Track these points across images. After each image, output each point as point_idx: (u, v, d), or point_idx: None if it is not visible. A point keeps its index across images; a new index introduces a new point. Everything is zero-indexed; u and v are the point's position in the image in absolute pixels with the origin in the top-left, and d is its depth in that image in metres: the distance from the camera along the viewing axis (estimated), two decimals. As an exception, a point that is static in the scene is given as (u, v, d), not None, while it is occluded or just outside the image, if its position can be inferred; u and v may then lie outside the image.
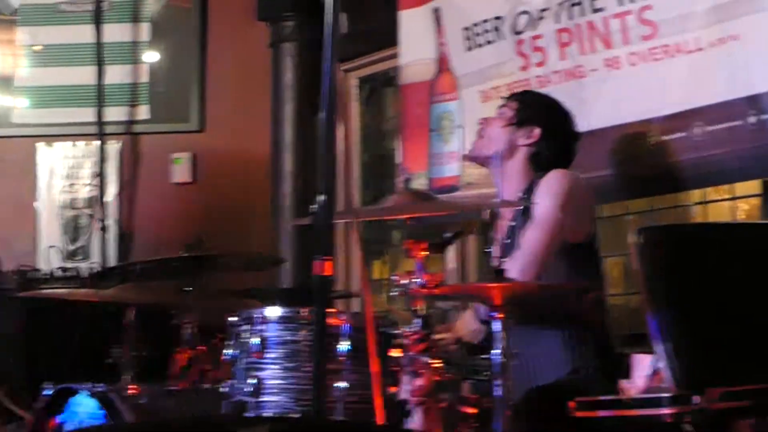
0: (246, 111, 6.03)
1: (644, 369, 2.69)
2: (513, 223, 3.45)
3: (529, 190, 3.43)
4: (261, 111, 5.92)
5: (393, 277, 3.00)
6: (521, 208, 3.42)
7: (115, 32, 6.10)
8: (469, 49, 4.73)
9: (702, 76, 3.65)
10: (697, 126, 3.67)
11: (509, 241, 3.40)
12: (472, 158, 3.85)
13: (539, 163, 3.49)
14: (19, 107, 6.23)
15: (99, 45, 5.98)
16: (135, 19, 6.16)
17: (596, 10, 3.96)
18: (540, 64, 4.33)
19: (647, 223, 4.14)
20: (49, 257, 5.87)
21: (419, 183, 4.97)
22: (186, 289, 4.08)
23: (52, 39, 6.26)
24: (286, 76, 5.80)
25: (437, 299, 3.38)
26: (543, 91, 4.13)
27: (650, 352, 2.67)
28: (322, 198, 2.30)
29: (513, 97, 3.85)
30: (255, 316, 3.10)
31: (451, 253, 4.79)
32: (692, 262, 2.54)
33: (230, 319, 3.15)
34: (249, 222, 5.81)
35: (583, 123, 3.65)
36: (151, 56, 6.15)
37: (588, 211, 3.50)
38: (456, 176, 4.78)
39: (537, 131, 3.47)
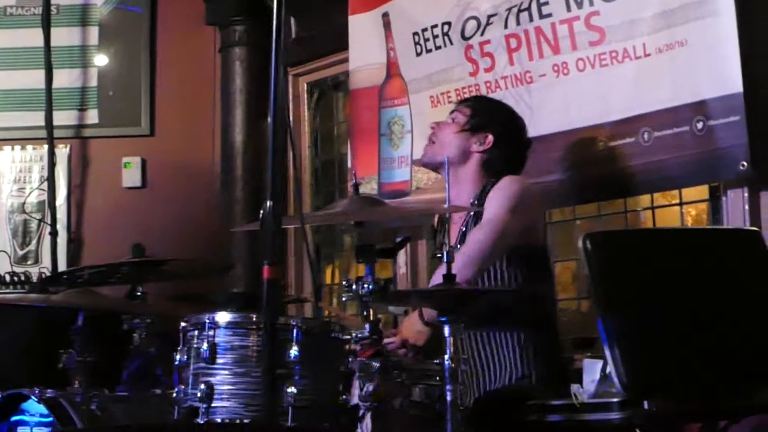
0: (196, 115, 6.04)
1: (595, 373, 2.73)
2: (464, 229, 3.48)
3: (481, 196, 3.46)
4: (210, 116, 5.97)
5: (344, 282, 3.01)
6: (472, 213, 3.45)
7: (64, 36, 6.08)
8: (419, 54, 4.74)
9: (649, 82, 3.69)
10: (645, 131, 3.69)
11: (461, 246, 3.41)
12: (424, 164, 3.85)
13: (492, 170, 3.50)
14: None
15: (48, 49, 5.92)
16: (84, 23, 6.13)
17: (544, 16, 3.99)
18: (489, 70, 4.35)
19: (596, 228, 4.16)
20: None
21: (369, 187, 4.99)
22: (136, 294, 4.13)
23: (0, 42, 6.23)
24: (235, 82, 5.83)
25: (387, 303, 3.37)
26: (492, 96, 4.16)
27: (600, 356, 2.72)
28: (268, 203, 2.32)
29: (465, 102, 3.88)
30: (205, 321, 3.07)
31: (401, 258, 4.80)
32: (639, 267, 2.58)
33: (181, 324, 3.11)
34: (199, 227, 5.80)
35: (532, 128, 3.68)
36: (100, 60, 6.12)
37: (538, 216, 3.54)
38: (406, 181, 4.81)
39: (490, 138, 3.48)
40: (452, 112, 3.64)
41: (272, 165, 2.48)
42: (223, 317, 3.07)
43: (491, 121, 3.58)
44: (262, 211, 2.31)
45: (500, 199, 3.31)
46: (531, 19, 4.08)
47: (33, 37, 6.03)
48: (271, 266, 2.30)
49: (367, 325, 2.85)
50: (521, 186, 3.36)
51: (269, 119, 2.44)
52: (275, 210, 2.35)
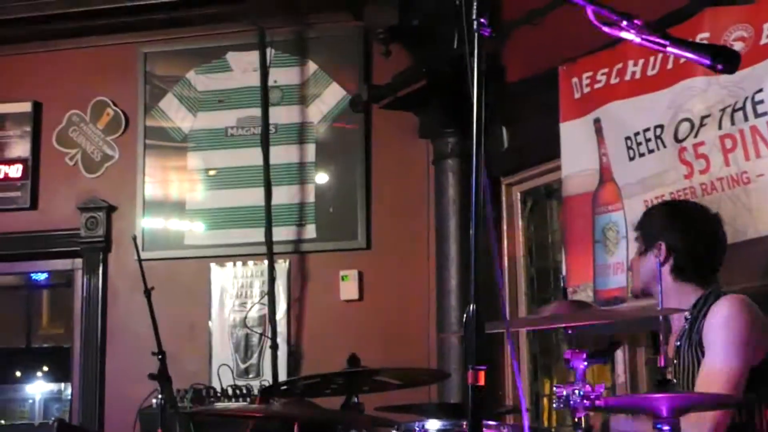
0: (410, 227, 6.08)
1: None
2: (678, 343, 3.38)
3: (697, 307, 3.37)
4: (425, 226, 5.98)
5: (554, 389, 2.95)
6: (687, 328, 3.35)
7: (282, 154, 6.31)
8: (632, 158, 4.65)
9: None
10: None
11: (677, 362, 3.34)
12: (635, 296, 3.84)
13: (685, 275, 3.45)
14: (192, 230, 6.47)
15: (267, 167, 6.14)
16: (301, 140, 6.37)
17: (759, 115, 3.88)
18: (703, 172, 4.24)
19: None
20: (221, 375, 5.91)
21: (585, 294, 4.92)
22: (351, 403, 4.07)
23: (222, 163, 6.50)
24: (448, 192, 5.83)
25: (600, 411, 3.25)
26: (708, 199, 4.05)
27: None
28: (472, 307, 2.27)
29: (636, 226, 3.83)
30: (415, 429, 3.16)
31: (620, 366, 4.68)
32: None
33: (391, 432, 3.09)
34: (414, 337, 5.82)
35: (752, 230, 3.59)
36: (317, 176, 6.30)
37: (764, 334, 3.35)
38: (622, 288, 4.63)
39: (663, 246, 3.45)
40: (635, 239, 3.67)
41: (474, 271, 2.37)
42: (433, 425, 3.16)
43: (658, 232, 3.55)
44: (465, 315, 2.26)
45: (727, 334, 3.19)
46: (746, 119, 3.97)
47: (253, 156, 6.30)
48: (476, 371, 2.25)
49: (580, 433, 2.75)
50: (744, 310, 3.22)
51: (471, 228, 2.38)
52: (478, 313, 2.29)
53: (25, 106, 6.81)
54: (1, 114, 6.81)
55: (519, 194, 5.70)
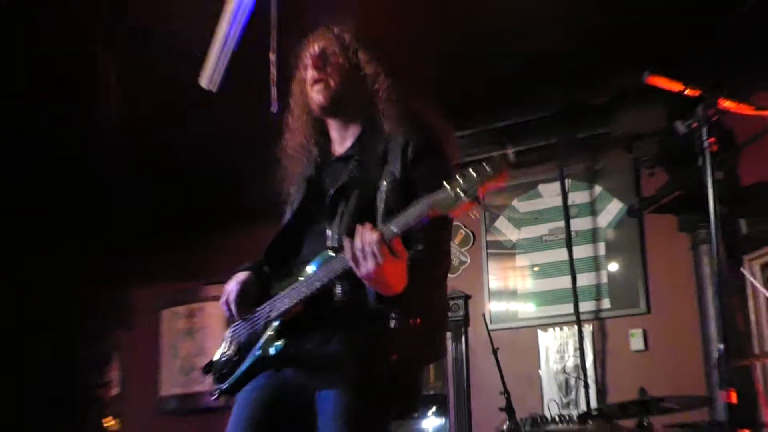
0: (679, 295, 6.08)
1: None
2: None
3: None
4: (690, 294, 5.98)
5: None
6: None
7: (582, 251, 6.48)
8: None
9: None
10: None
11: None
12: None
13: None
14: (523, 308, 6.65)
15: (571, 260, 6.34)
16: (594, 240, 6.48)
17: None
18: None
19: None
20: (550, 408, 6.10)
21: None
22: (643, 424, 4.48)
23: (540, 260, 6.68)
24: (704, 270, 5.87)
25: None
26: None
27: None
28: (722, 347, 2.42)
29: None
30: None
31: None
32: None
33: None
34: (687, 373, 5.75)
35: None
36: (608, 265, 6.38)
37: None
38: None
39: None
40: None
41: (723, 322, 2.68)
42: None
43: None
44: (718, 353, 2.40)
45: None
46: None
47: (562, 254, 6.50)
48: (728, 392, 2.36)
49: None
50: None
51: (717, 298, 2.67)
52: (727, 352, 2.43)
53: None
54: None
55: (758, 266, 5.61)
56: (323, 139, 2.62)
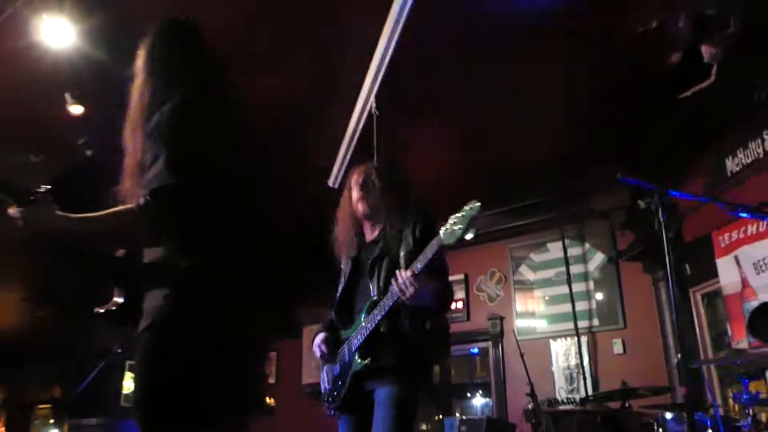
0: (646, 316, 5.85)
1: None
2: None
3: None
4: (654, 316, 5.76)
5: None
6: None
7: (577, 286, 6.27)
8: (758, 273, 4.27)
9: None
10: None
11: None
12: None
13: None
14: (539, 325, 6.44)
15: (571, 293, 6.20)
16: (586, 279, 6.30)
17: None
18: None
19: None
20: (559, 393, 5.95)
21: (744, 344, 4.46)
22: (623, 407, 4.05)
23: (550, 293, 6.47)
24: (662, 299, 5.68)
25: None
26: None
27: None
28: (679, 356, 2.39)
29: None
30: (658, 416, 3.09)
31: None
32: None
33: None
34: (654, 372, 5.48)
35: None
36: (595, 295, 6.19)
37: None
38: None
39: None
40: None
41: (680, 337, 2.66)
42: (668, 415, 3.06)
43: None
44: (676, 360, 2.22)
45: None
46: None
47: (563, 289, 6.32)
48: (686, 387, 2.25)
49: None
50: None
51: (673, 315, 2.33)
52: (684, 357, 2.42)
53: (461, 276, 6.91)
54: (449, 281, 7.05)
55: (700, 296, 5.38)
56: (360, 231, 2.66)
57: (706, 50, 3.28)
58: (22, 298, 7.13)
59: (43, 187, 1.56)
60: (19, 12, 3.36)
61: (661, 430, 3.47)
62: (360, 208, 2.57)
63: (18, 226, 1.56)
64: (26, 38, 3.55)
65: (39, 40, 3.55)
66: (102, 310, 1.72)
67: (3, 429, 8.65)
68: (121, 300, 1.73)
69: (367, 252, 2.56)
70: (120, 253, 1.75)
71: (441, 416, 6.86)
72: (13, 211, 1.58)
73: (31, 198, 1.57)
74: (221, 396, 1.52)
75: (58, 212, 1.56)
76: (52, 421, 9.33)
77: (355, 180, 2.60)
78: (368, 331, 2.35)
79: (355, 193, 2.58)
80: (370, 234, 2.61)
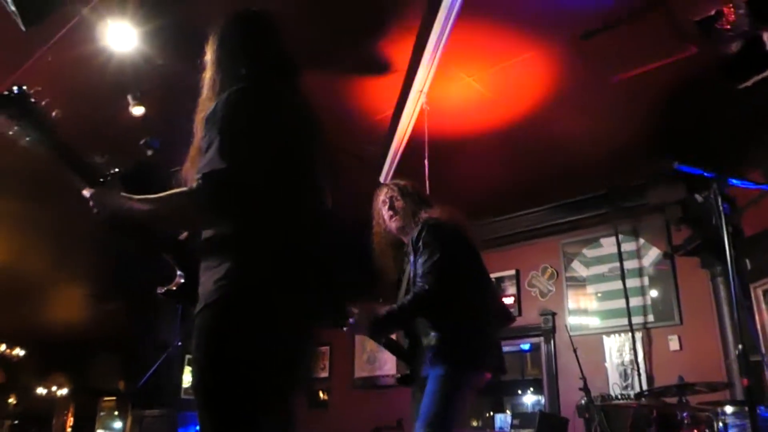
0: (703, 314, 5.76)
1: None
2: None
3: None
4: (712, 313, 5.64)
5: None
6: None
7: (631, 282, 6.11)
8: None
9: None
10: None
11: None
12: None
13: None
14: (592, 322, 6.26)
15: (625, 289, 6.09)
16: (641, 275, 6.18)
17: None
18: None
19: None
20: (613, 388, 5.84)
21: None
22: (680, 402, 4.00)
23: (603, 289, 6.36)
24: (721, 295, 5.56)
25: None
26: None
27: None
28: (740, 347, 2.32)
29: None
30: (718, 413, 3.14)
31: None
32: None
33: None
34: (711, 367, 5.40)
35: None
36: (650, 291, 6.06)
37: None
38: None
39: None
40: None
41: (740, 332, 2.66)
42: (728, 409, 3.10)
43: None
44: (737, 352, 2.22)
45: None
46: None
47: (617, 285, 6.20)
48: (748, 378, 2.20)
49: None
50: None
51: (735, 312, 2.30)
52: (744, 350, 2.36)
53: (512, 272, 6.90)
54: (500, 276, 6.86)
55: (761, 292, 5.30)
56: (400, 242, 2.93)
57: (767, 38, 3.20)
58: (89, 293, 7.46)
59: (113, 170, 1.64)
60: (85, 19, 3.46)
61: (721, 424, 3.41)
62: (392, 226, 2.88)
63: (91, 208, 1.63)
64: (92, 44, 3.65)
65: (104, 45, 3.64)
66: (164, 290, 1.77)
67: (72, 419, 8.78)
68: (183, 281, 1.76)
69: (403, 258, 2.85)
70: (183, 236, 1.79)
71: (492, 413, 6.87)
72: (86, 192, 1.65)
73: (102, 180, 1.65)
74: (273, 383, 1.52)
75: (123, 194, 1.62)
76: (116, 413, 9.60)
77: (382, 199, 2.90)
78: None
79: (386, 212, 2.88)
80: (407, 242, 2.87)
